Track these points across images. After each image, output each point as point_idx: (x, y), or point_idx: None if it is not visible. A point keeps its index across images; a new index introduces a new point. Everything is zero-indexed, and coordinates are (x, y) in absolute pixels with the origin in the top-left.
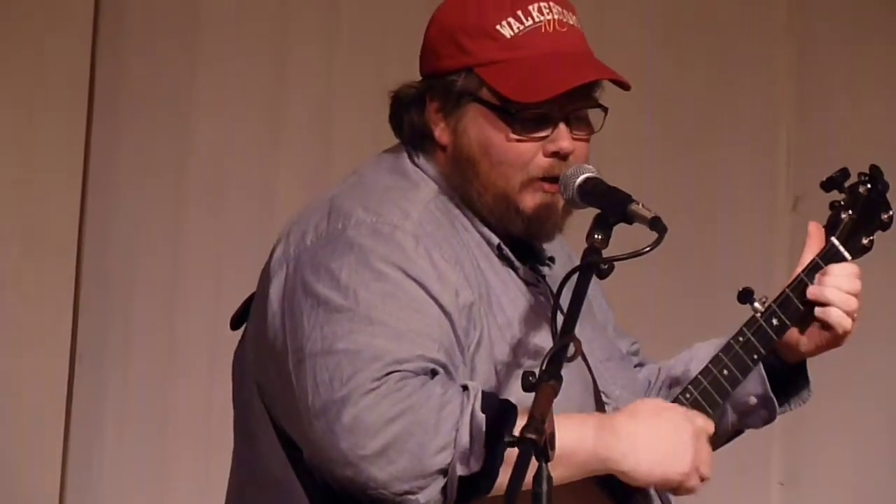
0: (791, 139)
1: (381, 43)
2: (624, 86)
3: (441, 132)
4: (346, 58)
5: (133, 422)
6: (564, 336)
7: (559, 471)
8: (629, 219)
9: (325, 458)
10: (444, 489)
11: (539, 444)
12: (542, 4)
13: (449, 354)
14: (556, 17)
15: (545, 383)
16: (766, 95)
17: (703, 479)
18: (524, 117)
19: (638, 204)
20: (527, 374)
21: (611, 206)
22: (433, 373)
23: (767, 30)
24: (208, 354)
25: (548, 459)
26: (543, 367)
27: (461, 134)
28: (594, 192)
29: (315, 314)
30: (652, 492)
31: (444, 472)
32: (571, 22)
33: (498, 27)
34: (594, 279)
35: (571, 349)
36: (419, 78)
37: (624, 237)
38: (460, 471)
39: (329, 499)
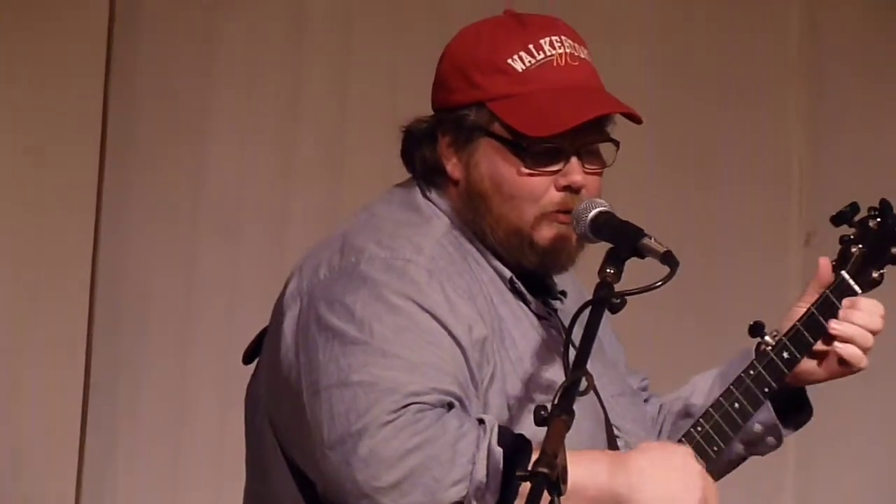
0: (804, 174)
1: (394, 77)
2: (636, 119)
3: (453, 167)
4: (358, 91)
5: (145, 453)
6: (576, 370)
7: None
8: (641, 253)
9: (340, 490)
10: None
11: (552, 479)
12: (553, 38)
13: (463, 388)
14: (567, 50)
15: (557, 418)
16: (778, 130)
17: None
18: (536, 151)
19: (650, 238)
20: (539, 409)
21: (623, 240)
22: (449, 406)
23: (779, 64)
24: (220, 386)
25: (560, 493)
26: (555, 402)
27: (473, 168)
28: (606, 226)
29: (330, 347)
30: None
31: None
32: (583, 56)
33: (510, 61)
34: (605, 321)
35: (584, 384)
36: (431, 112)
37: (636, 272)
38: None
39: None
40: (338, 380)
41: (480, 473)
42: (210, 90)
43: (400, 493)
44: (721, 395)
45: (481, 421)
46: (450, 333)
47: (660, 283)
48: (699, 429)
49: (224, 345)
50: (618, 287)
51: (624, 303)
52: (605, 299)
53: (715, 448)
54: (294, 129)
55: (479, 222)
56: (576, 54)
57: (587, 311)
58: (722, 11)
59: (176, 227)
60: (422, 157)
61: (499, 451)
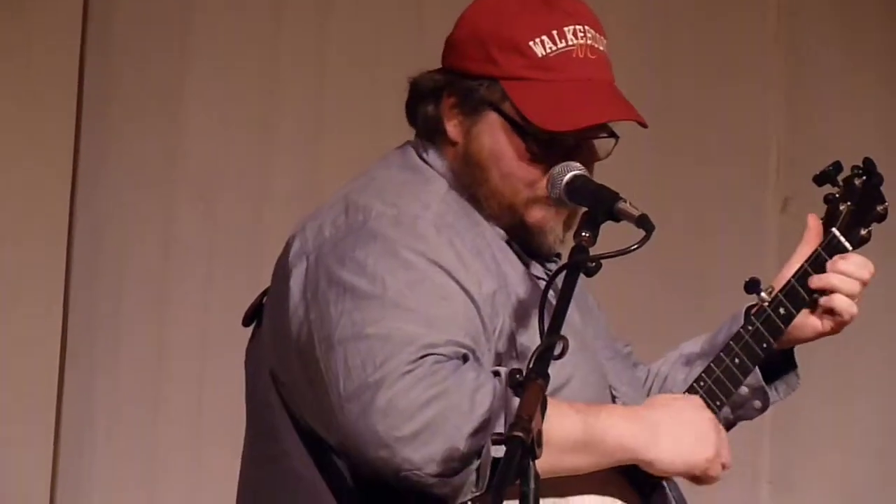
0: (780, 141)
1: (374, 41)
2: (642, 124)
3: (454, 128)
4: (337, 53)
5: (123, 419)
6: (551, 335)
7: (579, 458)
8: (616, 217)
9: (359, 441)
10: (477, 472)
11: (526, 443)
12: (577, 27)
13: (476, 341)
14: (589, 42)
15: (532, 381)
16: (755, 99)
17: (724, 467)
18: (541, 140)
19: (625, 202)
20: (514, 372)
21: (598, 203)
22: (464, 358)
23: (757, 33)
24: (198, 351)
25: (535, 457)
26: (531, 366)
27: (474, 137)
28: (582, 189)
29: (342, 301)
30: (665, 484)
31: (477, 454)
32: (601, 48)
33: (531, 44)
34: (586, 287)
35: (559, 347)
36: (410, 74)
37: (612, 237)
38: (494, 453)
39: (354, 493)
40: (352, 333)
41: (497, 423)
42: (188, 59)
43: (420, 443)
44: (721, 351)
45: (497, 373)
46: (462, 287)
47: (635, 247)
48: (702, 384)
49: (200, 311)
50: (593, 251)
51: (599, 266)
52: (580, 263)
53: (718, 402)
54: (273, 100)
55: (474, 188)
56: (596, 46)
57: (563, 276)
58: None
59: (153, 191)
60: (424, 112)
61: (515, 400)
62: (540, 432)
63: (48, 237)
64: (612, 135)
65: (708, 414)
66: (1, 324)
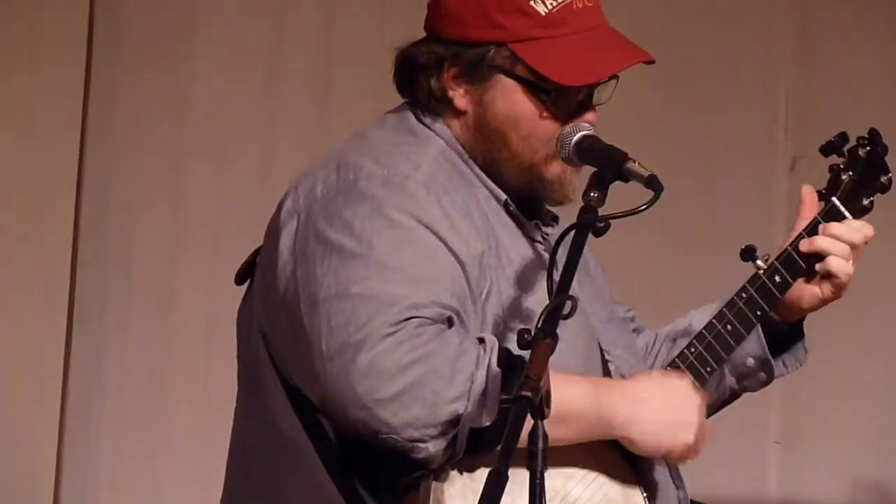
0: (790, 101)
1: (381, 2)
2: (650, 61)
3: (461, 98)
4: (345, 13)
5: (132, 374)
6: (560, 294)
7: (567, 429)
8: (625, 177)
9: (339, 400)
10: (453, 439)
11: (535, 403)
12: None
13: (461, 302)
14: None
15: (541, 341)
16: (765, 59)
17: (698, 452)
18: (561, 97)
19: (634, 162)
20: (522, 332)
21: (607, 164)
22: (449, 320)
23: None
24: (207, 308)
25: (543, 417)
26: (539, 325)
27: (488, 105)
28: (591, 150)
29: (328, 260)
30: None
31: (455, 422)
32: None
33: (532, 3)
34: (589, 251)
35: (568, 307)
36: (421, 35)
37: (621, 197)
38: (472, 423)
39: (339, 451)
40: (336, 292)
41: (478, 392)
42: (196, 11)
43: (399, 406)
44: (713, 317)
45: (482, 340)
46: (448, 248)
47: (644, 207)
48: (692, 349)
49: (210, 264)
50: (602, 211)
51: (608, 226)
52: (589, 223)
53: (708, 369)
54: (281, 48)
55: (492, 152)
56: None
57: (571, 235)
58: None
59: (162, 147)
60: (425, 84)
61: (497, 370)
62: (548, 392)
63: (56, 192)
64: (615, 77)
65: (696, 399)
66: (11, 279)
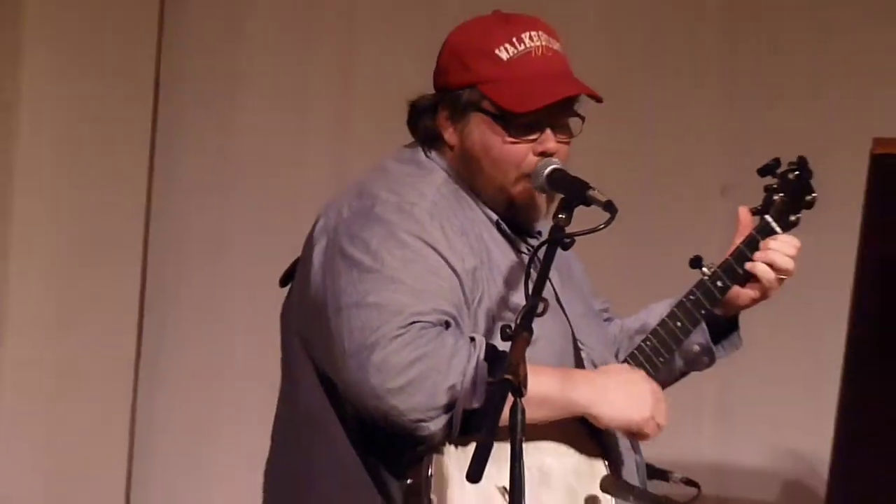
0: (721, 135)
1: (395, 58)
2: (597, 98)
3: (450, 135)
4: (364, 69)
5: (194, 360)
6: (535, 297)
7: (544, 411)
8: (587, 202)
9: (357, 390)
10: (450, 420)
11: (514, 384)
12: (532, 33)
13: (458, 308)
14: (543, 43)
15: (519, 335)
16: (700, 102)
17: (659, 427)
18: (517, 124)
19: (594, 190)
20: (504, 328)
21: (572, 191)
22: (446, 324)
23: (701, 34)
24: (253, 310)
25: (521, 395)
26: (518, 323)
27: (466, 137)
28: (559, 180)
29: (349, 273)
30: (618, 434)
31: (451, 406)
32: (556, 48)
33: (497, 51)
34: (574, 256)
35: (541, 307)
36: (431, 88)
37: (585, 217)
38: (464, 406)
39: (357, 429)
40: (355, 301)
41: (469, 381)
42: (238, 58)
43: (406, 395)
44: (666, 316)
45: (472, 339)
46: (448, 264)
47: (602, 226)
48: (648, 343)
49: (255, 270)
50: (568, 229)
51: (573, 242)
52: (558, 239)
53: (661, 359)
54: (308, 98)
55: (473, 179)
56: (550, 46)
57: (544, 249)
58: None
59: (212, 172)
60: (424, 125)
61: (484, 364)
62: (526, 376)
63: (128, 207)
64: (577, 114)
65: (650, 385)
66: (82, 274)
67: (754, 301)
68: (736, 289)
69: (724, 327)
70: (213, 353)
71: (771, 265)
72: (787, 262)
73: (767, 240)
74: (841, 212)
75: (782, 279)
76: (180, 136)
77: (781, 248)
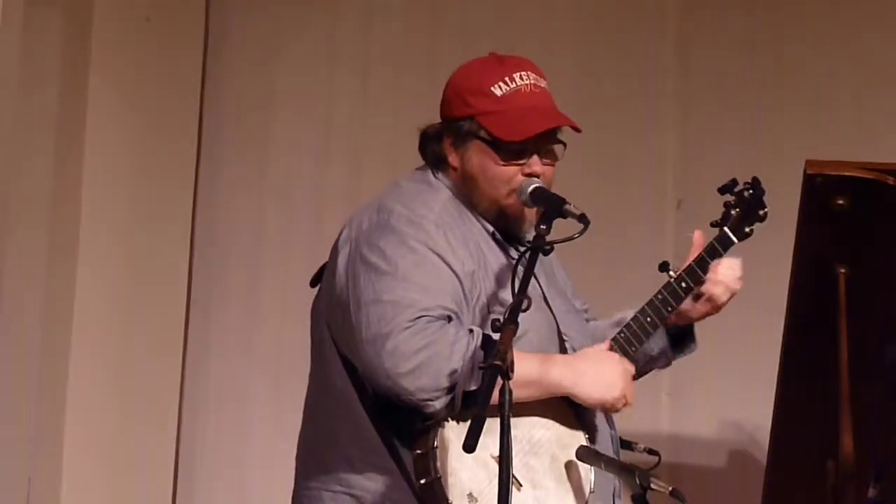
0: (675, 158)
1: (405, 96)
2: (576, 129)
3: (453, 158)
4: (376, 106)
5: (232, 351)
6: (520, 295)
7: (529, 391)
8: (564, 215)
9: (373, 373)
10: (452, 399)
11: (502, 368)
12: (522, 73)
13: (458, 305)
14: (531, 82)
15: (507, 327)
16: (656, 127)
17: (627, 404)
18: (509, 150)
19: (570, 204)
20: (494, 321)
21: (551, 206)
22: (449, 318)
23: (656, 59)
24: (281, 307)
25: (508, 378)
26: (505, 317)
27: (467, 160)
28: (540, 196)
29: (368, 275)
30: (596, 412)
31: (453, 388)
32: (543, 85)
33: (492, 88)
34: (557, 262)
35: (525, 303)
36: (438, 119)
37: (561, 227)
38: (464, 387)
39: (374, 404)
40: (373, 298)
41: (468, 366)
42: (274, 93)
43: (414, 377)
44: (638, 312)
45: (471, 330)
46: (450, 268)
47: (576, 235)
48: (622, 334)
49: (284, 275)
50: (548, 238)
51: (552, 249)
52: (539, 246)
53: (633, 348)
54: (330, 126)
55: (472, 195)
56: (538, 84)
57: (527, 255)
58: (613, 34)
59: (247, 191)
60: (432, 150)
61: (480, 352)
62: (513, 361)
63: (174, 219)
64: (560, 142)
65: (622, 366)
66: (133, 269)
67: (708, 314)
68: (689, 304)
69: (681, 334)
70: (250, 347)
71: (725, 285)
72: (736, 283)
73: (713, 266)
74: (781, 220)
75: (731, 296)
76: (220, 171)
77: (730, 271)
